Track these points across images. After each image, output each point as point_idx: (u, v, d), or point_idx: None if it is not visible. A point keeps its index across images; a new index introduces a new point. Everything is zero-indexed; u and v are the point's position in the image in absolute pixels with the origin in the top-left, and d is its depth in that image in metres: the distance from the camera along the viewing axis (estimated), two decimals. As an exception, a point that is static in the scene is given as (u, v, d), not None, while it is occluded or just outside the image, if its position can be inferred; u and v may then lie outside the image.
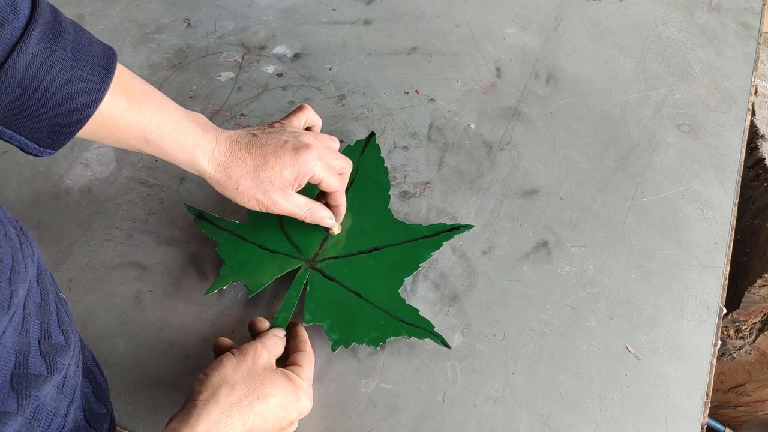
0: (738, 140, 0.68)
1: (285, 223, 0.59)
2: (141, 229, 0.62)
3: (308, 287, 0.54)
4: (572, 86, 0.74)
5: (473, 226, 0.59)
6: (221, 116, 0.72)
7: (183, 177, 0.66)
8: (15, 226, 0.34)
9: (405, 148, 0.68)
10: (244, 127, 0.57)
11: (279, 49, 0.79)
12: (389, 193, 0.62)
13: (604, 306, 0.55)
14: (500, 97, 0.73)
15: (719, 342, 0.57)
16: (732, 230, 0.61)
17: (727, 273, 0.58)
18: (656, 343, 0.53)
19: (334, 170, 0.53)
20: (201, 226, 0.59)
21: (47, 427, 0.30)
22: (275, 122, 0.55)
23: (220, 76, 0.76)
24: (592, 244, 0.59)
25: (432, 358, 0.52)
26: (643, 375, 0.51)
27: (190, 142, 0.47)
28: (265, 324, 0.51)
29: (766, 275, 0.83)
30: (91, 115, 0.40)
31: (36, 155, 0.40)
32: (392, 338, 0.51)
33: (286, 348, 0.50)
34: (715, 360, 0.52)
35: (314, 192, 0.56)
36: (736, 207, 0.63)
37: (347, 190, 0.60)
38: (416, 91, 0.74)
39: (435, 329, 0.52)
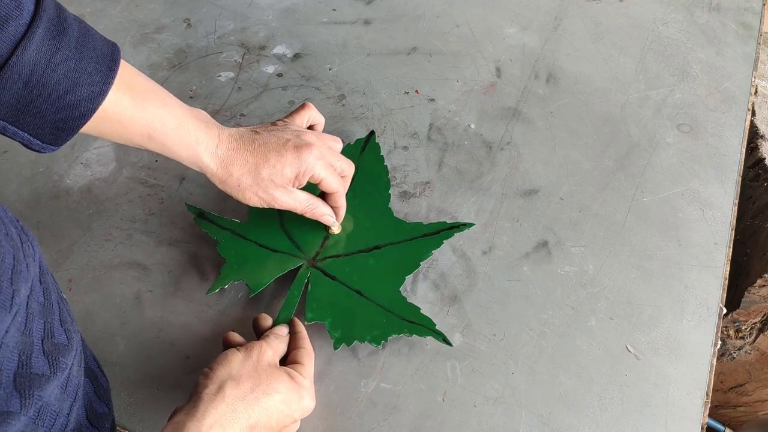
0: (738, 140, 0.68)
1: (286, 222, 0.59)
2: (141, 229, 0.62)
3: (309, 286, 0.54)
4: (572, 86, 0.74)
5: (473, 225, 0.59)
6: (221, 116, 0.72)
7: (183, 177, 0.66)
8: (16, 226, 0.34)
9: (405, 148, 0.68)
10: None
11: (279, 49, 0.79)
12: (389, 192, 0.62)
13: (604, 306, 0.55)
14: (500, 97, 0.73)
15: (719, 342, 0.57)
16: (732, 230, 0.61)
17: (727, 273, 0.58)
18: (656, 343, 0.53)
19: (334, 171, 0.53)
20: (201, 225, 0.59)
21: (51, 427, 0.30)
22: (278, 120, 0.55)
23: (220, 76, 0.76)
24: (592, 244, 0.60)
25: (432, 358, 0.52)
26: (643, 375, 0.52)
27: (193, 138, 0.47)
28: (268, 321, 0.51)
29: (766, 275, 0.83)
30: (94, 112, 0.40)
31: (39, 151, 0.40)
32: (393, 337, 0.52)
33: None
34: (715, 360, 0.52)
35: (315, 193, 0.56)
36: (736, 207, 0.63)
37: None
38: (416, 91, 0.74)
39: (436, 327, 0.52)
